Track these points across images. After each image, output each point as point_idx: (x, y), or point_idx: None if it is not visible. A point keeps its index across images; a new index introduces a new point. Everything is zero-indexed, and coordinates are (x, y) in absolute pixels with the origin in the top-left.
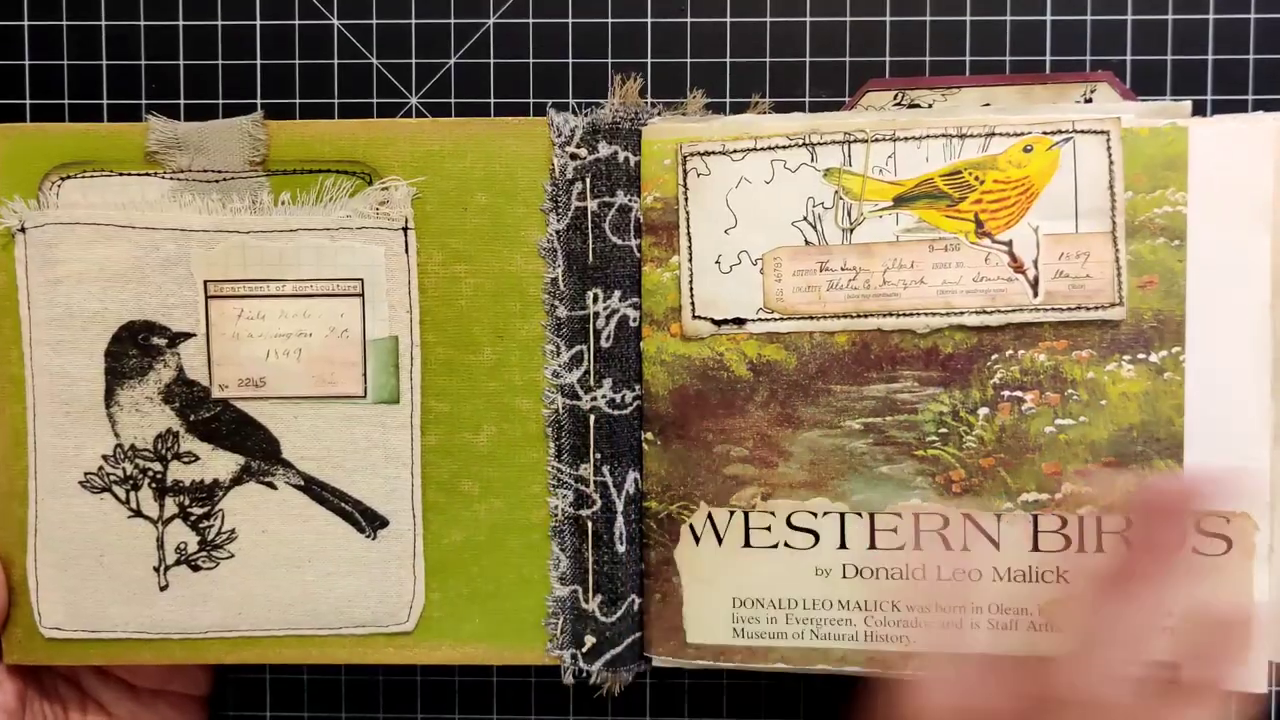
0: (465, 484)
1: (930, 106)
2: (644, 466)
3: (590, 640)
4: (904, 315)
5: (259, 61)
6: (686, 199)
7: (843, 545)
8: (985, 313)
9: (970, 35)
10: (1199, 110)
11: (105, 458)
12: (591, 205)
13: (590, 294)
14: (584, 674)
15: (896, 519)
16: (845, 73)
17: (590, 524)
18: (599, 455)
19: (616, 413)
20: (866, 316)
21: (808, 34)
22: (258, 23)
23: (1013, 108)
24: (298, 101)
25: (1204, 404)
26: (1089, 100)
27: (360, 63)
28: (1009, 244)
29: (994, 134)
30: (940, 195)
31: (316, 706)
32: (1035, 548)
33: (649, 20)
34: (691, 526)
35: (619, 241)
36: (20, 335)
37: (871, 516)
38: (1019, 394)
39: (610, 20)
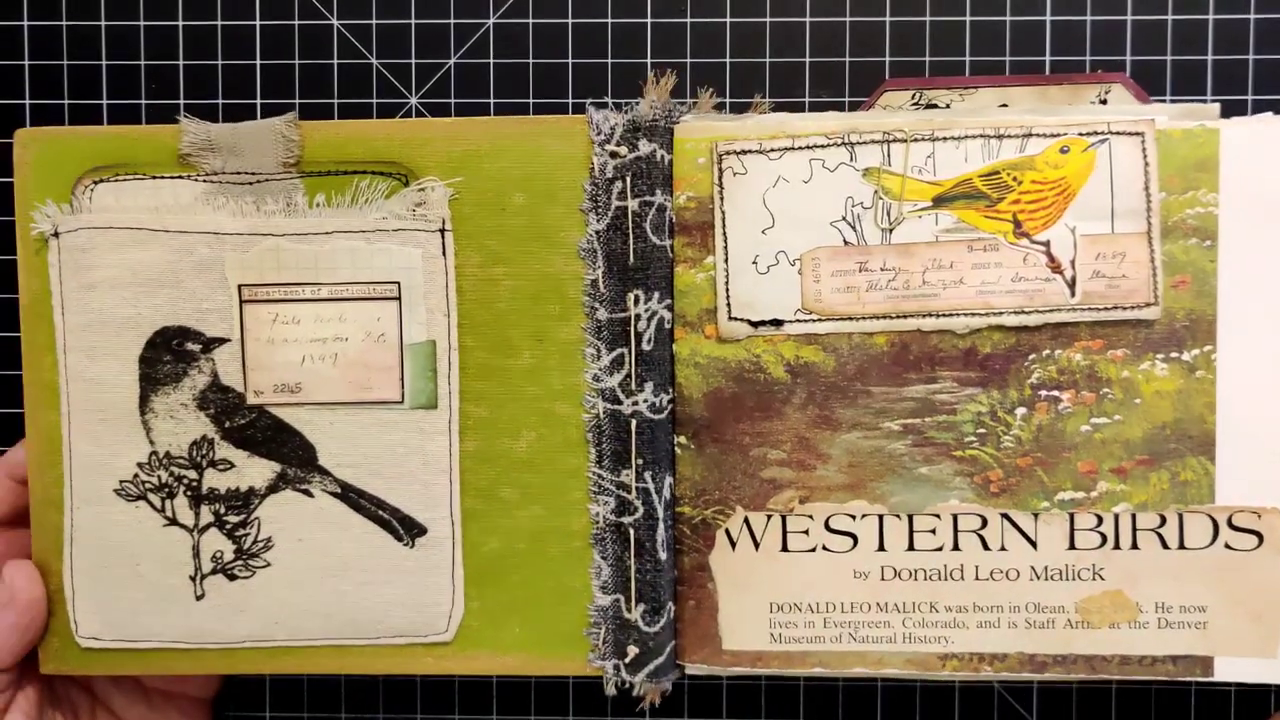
0: (505, 491)
1: (948, 106)
2: (676, 470)
3: (633, 651)
4: (943, 316)
5: (259, 61)
6: (722, 198)
7: (881, 547)
8: (1024, 313)
9: (970, 35)
10: None
11: (140, 465)
12: (632, 205)
13: (631, 296)
14: (626, 685)
15: (935, 520)
16: (845, 73)
17: (632, 531)
18: (641, 461)
19: (657, 417)
20: (906, 317)
21: (808, 34)
22: (258, 23)
23: (1040, 109)
24: (297, 101)
25: (1235, 401)
26: (1104, 101)
27: (360, 63)
28: (1047, 244)
29: (1031, 134)
30: (979, 195)
31: (316, 707)
32: (1071, 546)
33: (649, 20)
34: (727, 531)
35: (659, 242)
36: (54, 342)
37: (910, 518)
38: (1056, 393)
39: (610, 20)
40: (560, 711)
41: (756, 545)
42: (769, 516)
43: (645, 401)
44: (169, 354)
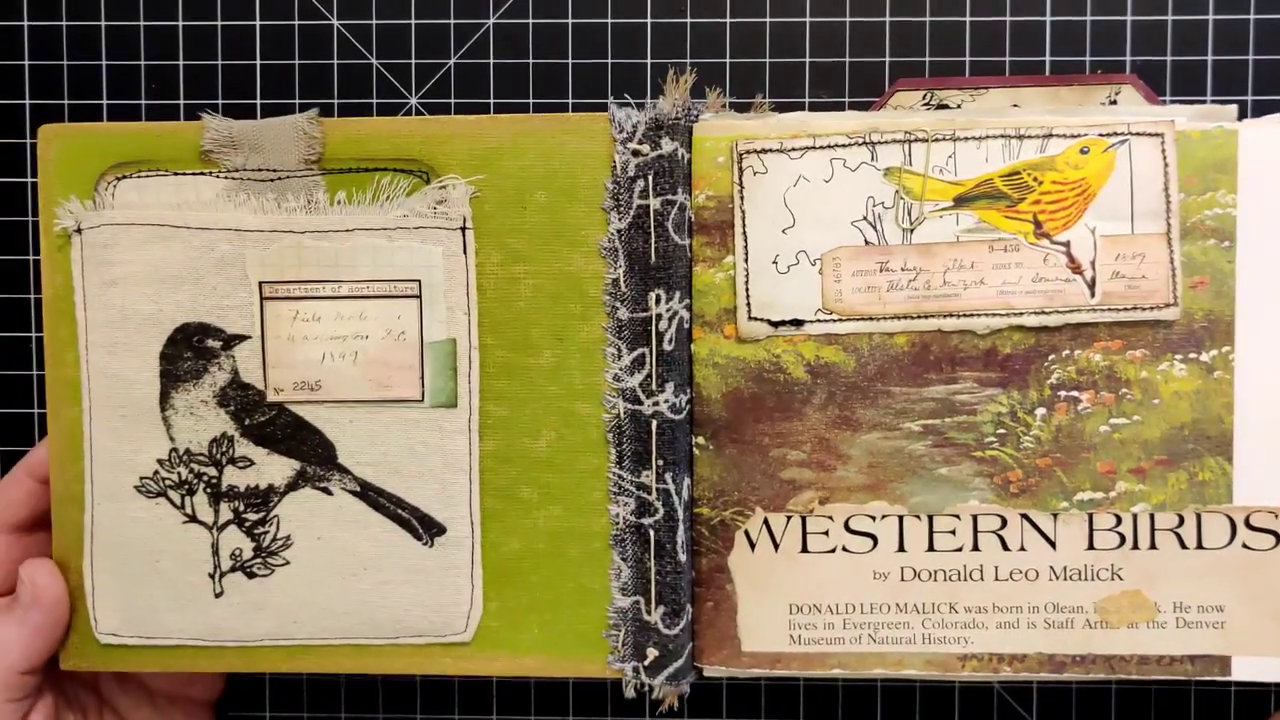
0: (524, 491)
1: (959, 107)
2: (694, 471)
3: (653, 653)
4: (964, 316)
5: (259, 61)
6: (742, 198)
7: (901, 548)
8: (1044, 313)
9: (970, 35)
10: None
11: (160, 462)
12: (654, 203)
13: (653, 295)
14: (646, 688)
15: (955, 520)
16: (845, 73)
17: (653, 533)
18: (661, 462)
19: (678, 417)
20: (927, 317)
21: (807, 34)
22: (257, 23)
23: (1060, 110)
24: (297, 101)
25: (1253, 401)
26: (1113, 102)
27: (360, 63)
28: (1067, 245)
29: (1051, 135)
30: (1000, 196)
31: (316, 707)
32: (1090, 546)
33: (649, 20)
34: (746, 532)
35: (681, 241)
36: (76, 338)
37: (930, 519)
38: (1075, 394)
39: (610, 20)
40: (560, 712)
41: (776, 546)
42: (788, 517)
43: (666, 402)
44: (190, 350)
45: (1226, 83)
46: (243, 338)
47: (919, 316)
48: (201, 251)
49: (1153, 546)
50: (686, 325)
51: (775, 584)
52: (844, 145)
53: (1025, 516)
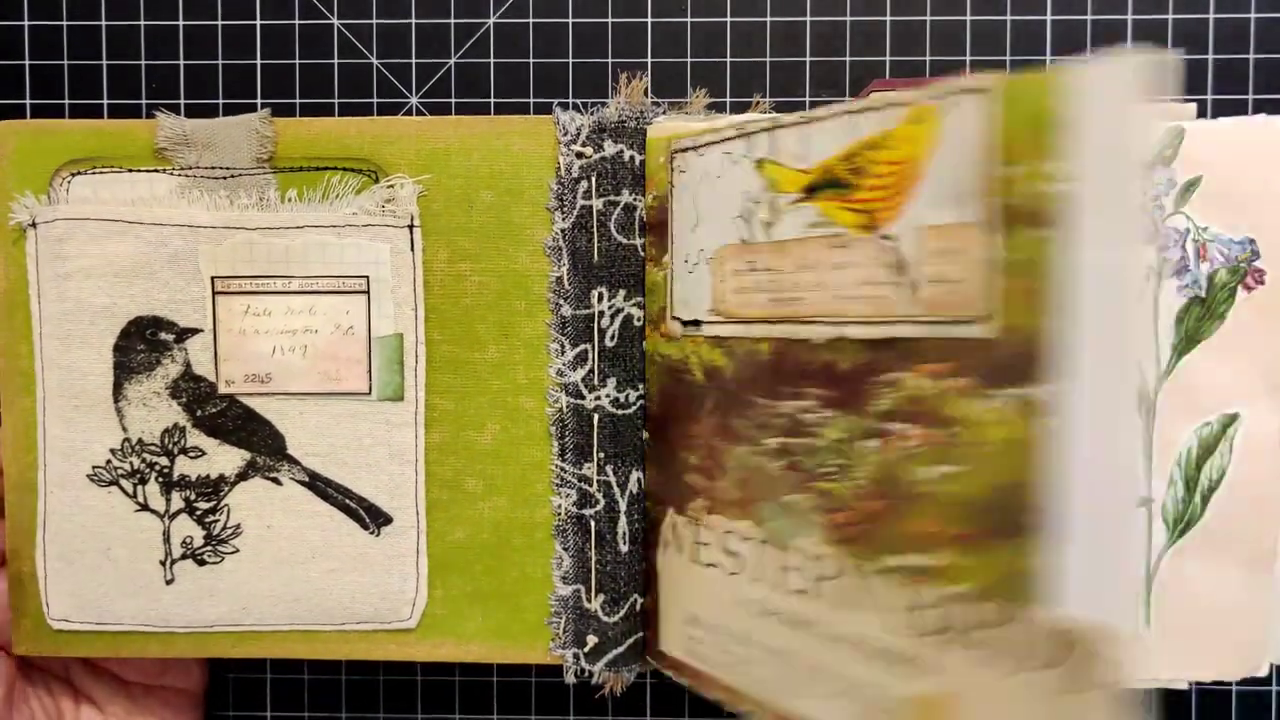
0: (469, 482)
1: None
2: (645, 466)
3: (593, 640)
4: (803, 323)
5: (259, 61)
6: (672, 197)
7: (759, 577)
8: (869, 323)
9: (970, 35)
10: (1200, 111)
11: (113, 451)
12: (597, 204)
13: (595, 293)
14: (586, 674)
15: (799, 557)
16: (845, 73)
17: (593, 523)
18: (602, 455)
19: (620, 412)
20: (778, 323)
21: (808, 34)
22: (258, 23)
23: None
24: (297, 101)
25: (1089, 465)
26: None
27: (360, 63)
28: (895, 239)
29: (892, 104)
30: (841, 183)
31: (316, 706)
32: (911, 624)
33: (649, 20)
34: (664, 532)
35: (624, 240)
36: (31, 330)
37: (782, 550)
38: (907, 426)
39: (610, 20)
40: (560, 710)
41: (681, 550)
42: (688, 522)
43: (608, 396)
44: (143, 343)
45: (1227, 83)
46: (195, 331)
47: (773, 321)
48: (155, 246)
49: (970, 645)
50: (638, 323)
51: (680, 589)
52: (731, 139)
53: (855, 568)
